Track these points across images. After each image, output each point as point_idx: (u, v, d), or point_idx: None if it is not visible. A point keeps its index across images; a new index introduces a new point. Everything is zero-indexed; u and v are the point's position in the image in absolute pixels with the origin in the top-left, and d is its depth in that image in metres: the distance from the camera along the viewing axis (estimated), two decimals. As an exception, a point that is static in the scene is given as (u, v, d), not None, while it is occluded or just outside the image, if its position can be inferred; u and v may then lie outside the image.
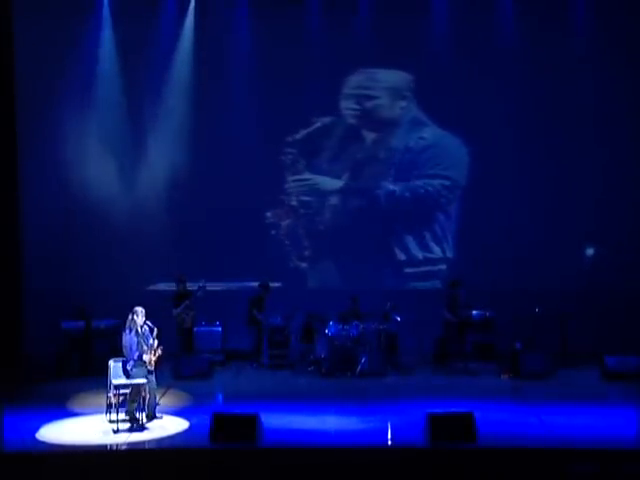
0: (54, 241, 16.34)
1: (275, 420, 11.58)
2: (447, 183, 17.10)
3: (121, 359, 12.12)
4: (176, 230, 16.79)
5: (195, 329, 15.69)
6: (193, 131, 16.87)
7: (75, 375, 14.90)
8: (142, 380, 11.85)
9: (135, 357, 11.82)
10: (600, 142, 16.45)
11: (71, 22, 16.26)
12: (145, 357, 11.87)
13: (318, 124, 17.07)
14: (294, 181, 17.16)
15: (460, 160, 17.07)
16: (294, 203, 17.19)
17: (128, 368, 11.85)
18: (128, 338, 11.86)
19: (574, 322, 15.37)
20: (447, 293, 15.63)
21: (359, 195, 17.18)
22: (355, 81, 17.13)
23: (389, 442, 11.22)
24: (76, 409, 12.68)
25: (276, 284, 16.25)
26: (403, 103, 17.09)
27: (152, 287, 16.45)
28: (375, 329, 15.13)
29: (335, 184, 17.18)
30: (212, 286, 15.72)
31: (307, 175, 17.18)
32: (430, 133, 17.07)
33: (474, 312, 15.48)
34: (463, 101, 16.55)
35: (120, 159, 16.85)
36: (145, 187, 16.94)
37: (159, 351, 12.10)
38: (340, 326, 15.11)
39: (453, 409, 11.28)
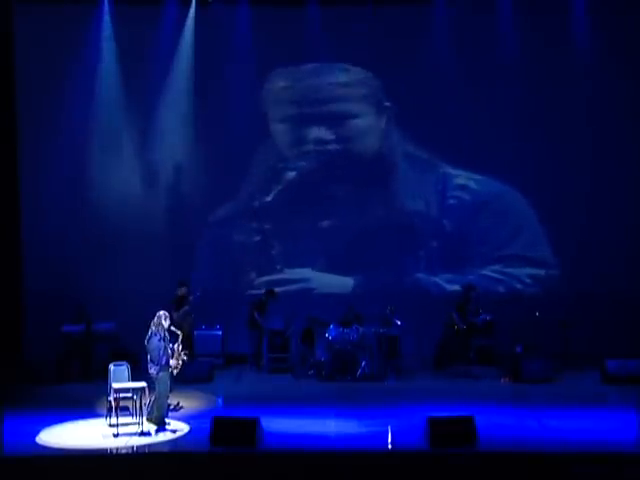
0: (55, 243, 16.27)
1: (275, 424, 11.59)
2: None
3: (122, 362, 12.12)
4: (178, 233, 16.72)
5: (195, 332, 15.67)
6: (197, 132, 16.74)
7: (75, 378, 14.86)
8: (142, 383, 11.86)
9: (163, 362, 11.76)
10: (600, 147, 16.39)
11: (72, 21, 16.18)
12: (172, 362, 11.88)
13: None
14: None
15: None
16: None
17: (154, 372, 11.75)
18: (157, 343, 11.72)
19: (575, 325, 15.33)
20: (461, 296, 15.52)
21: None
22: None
23: (389, 446, 11.19)
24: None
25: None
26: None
27: (153, 291, 16.37)
28: (375, 333, 15.12)
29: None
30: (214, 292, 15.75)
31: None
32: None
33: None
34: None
35: (122, 160, 16.74)
36: (147, 188, 16.86)
37: (183, 356, 12.12)
38: (340, 330, 15.10)
39: (453, 413, 11.29)
